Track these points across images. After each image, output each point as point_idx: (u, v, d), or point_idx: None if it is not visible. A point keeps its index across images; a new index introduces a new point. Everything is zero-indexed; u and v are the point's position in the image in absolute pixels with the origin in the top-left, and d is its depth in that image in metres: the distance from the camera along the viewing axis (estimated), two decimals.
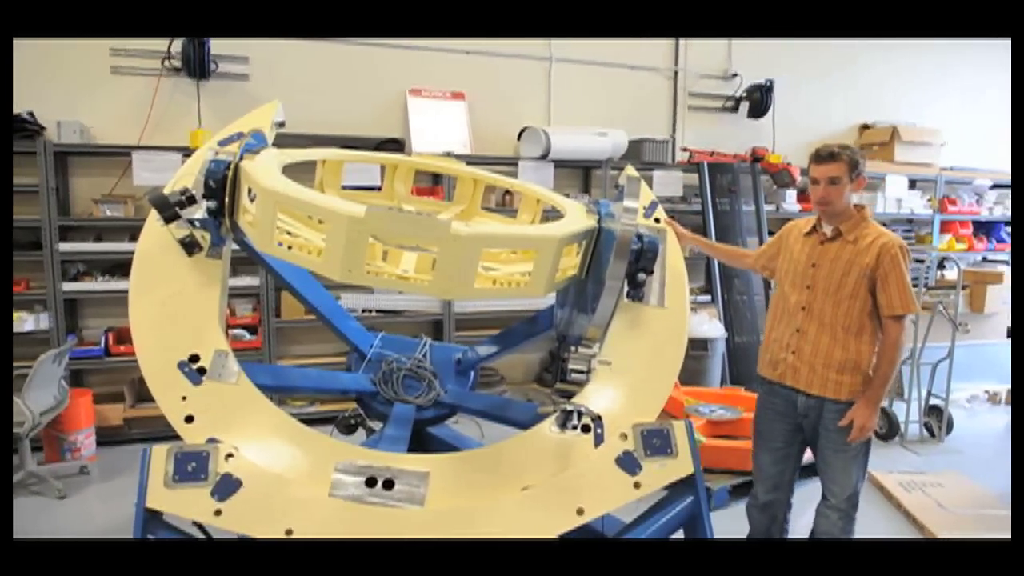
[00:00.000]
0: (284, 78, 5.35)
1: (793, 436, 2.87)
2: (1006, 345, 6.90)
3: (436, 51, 5.76)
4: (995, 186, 8.09)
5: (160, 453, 2.03)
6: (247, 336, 5.08)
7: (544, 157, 5.68)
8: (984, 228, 8.10)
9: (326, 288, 3.46)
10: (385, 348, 3.33)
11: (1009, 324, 7.28)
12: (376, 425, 3.15)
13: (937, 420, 5.28)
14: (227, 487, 2.02)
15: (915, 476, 4.44)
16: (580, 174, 6.34)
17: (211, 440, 2.11)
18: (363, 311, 5.32)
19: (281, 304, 5.15)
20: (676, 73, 6.72)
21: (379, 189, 3.42)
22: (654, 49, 6.62)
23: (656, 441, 2.30)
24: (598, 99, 6.41)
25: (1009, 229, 8.14)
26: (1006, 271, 7.26)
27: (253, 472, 2.06)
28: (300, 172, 2.50)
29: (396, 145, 5.43)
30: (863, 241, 2.69)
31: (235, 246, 2.71)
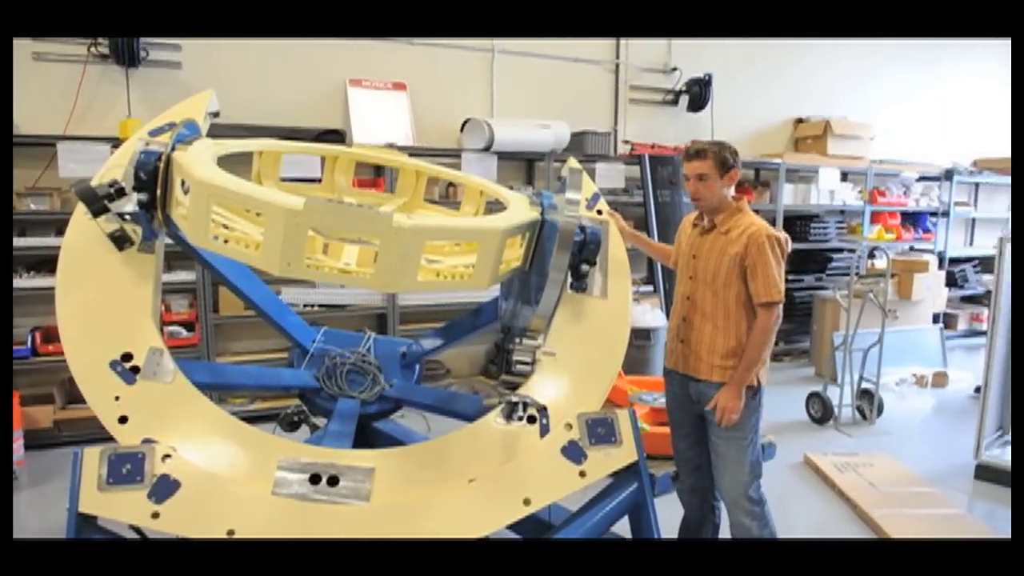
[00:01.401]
0: (219, 66, 5.20)
1: (701, 421, 2.92)
2: (933, 330, 7.23)
3: (377, 41, 5.68)
4: (921, 178, 8.43)
5: (92, 455, 1.96)
6: (184, 333, 4.94)
7: (487, 149, 5.67)
8: (911, 219, 8.45)
9: (265, 283, 3.39)
10: (328, 343, 3.28)
11: (935, 310, 7.63)
12: (320, 421, 3.10)
13: (868, 403, 5.48)
14: (165, 489, 1.96)
15: (848, 457, 4.61)
16: (523, 166, 6.35)
17: (147, 441, 2.05)
18: (305, 305, 5.23)
19: (219, 299, 5.02)
20: (617, 66, 6.79)
21: (319, 181, 3.36)
22: (596, 43, 6.66)
23: (601, 430, 2.32)
24: (541, 91, 6.43)
25: (935, 220, 8.50)
26: (932, 260, 7.59)
27: (192, 472, 2.01)
28: (236, 164, 2.44)
29: (336, 136, 5.34)
30: (734, 231, 2.74)
31: (169, 240, 2.63)
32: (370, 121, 5.57)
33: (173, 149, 2.22)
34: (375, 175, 5.40)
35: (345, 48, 5.58)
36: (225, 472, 2.07)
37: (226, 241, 2.02)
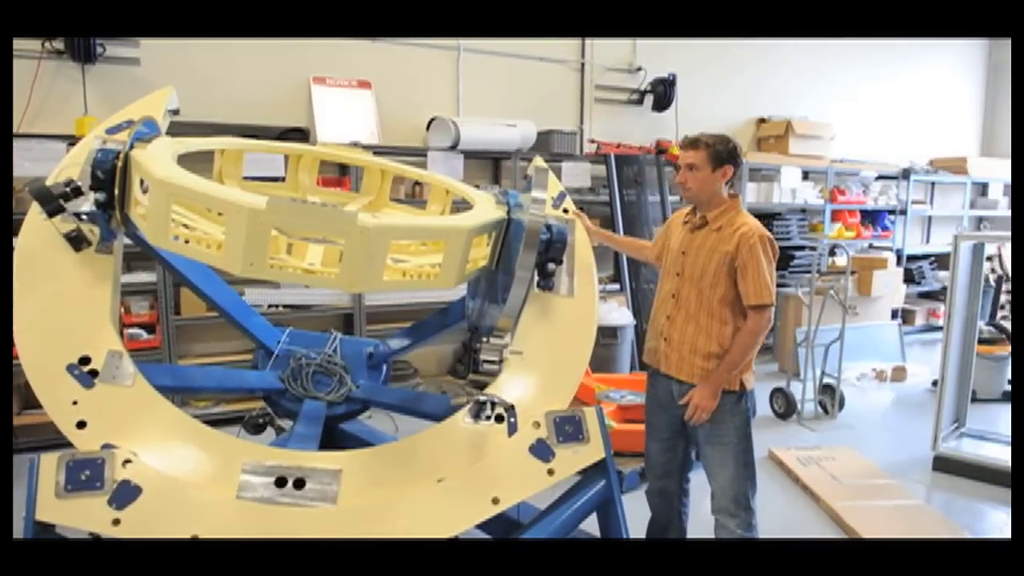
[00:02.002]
0: (179, 63, 5.10)
1: (679, 427, 2.87)
2: (891, 326, 7.39)
3: (341, 39, 5.63)
4: (880, 177, 8.62)
5: (50, 462, 1.91)
6: (144, 335, 4.84)
7: (453, 148, 5.65)
8: (870, 217, 8.63)
9: (228, 283, 3.33)
10: (293, 344, 3.24)
11: (894, 306, 7.81)
12: (286, 424, 3.06)
13: (830, 398, 5.59)
14: (125, 495, 1.92)
15: (811, 451, 4.69)
16: (490, 165, 6.34)
17: (106, 446, 2.00)
18: (269, 306, 5.16)
19: (181, 301, 4.93)
20: (583, 66, 6.82)
21: (283, 180, 3.32)
22: (561, 42, 6.68)
23: (568, 428, 2.33)
24: (507, 90, 6.43)
25: (893, 218, 8.70)
26: (890, 257, 7.77)
27: (153, 478, 1.97)
28: (197, 163, 2.40)
29: (300, 134, 5.28)
30: (727, 229, 2.71)
31: (128, 241, 2.57)
32: (334, 119, 5.51)
33: (131, 147, 2.18)
34: (340, 174, 5.35)
35: (308, 46, 5.51)
36: (188, 477, 2.03)
37: (187, 241, 1.98)
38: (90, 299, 2.27)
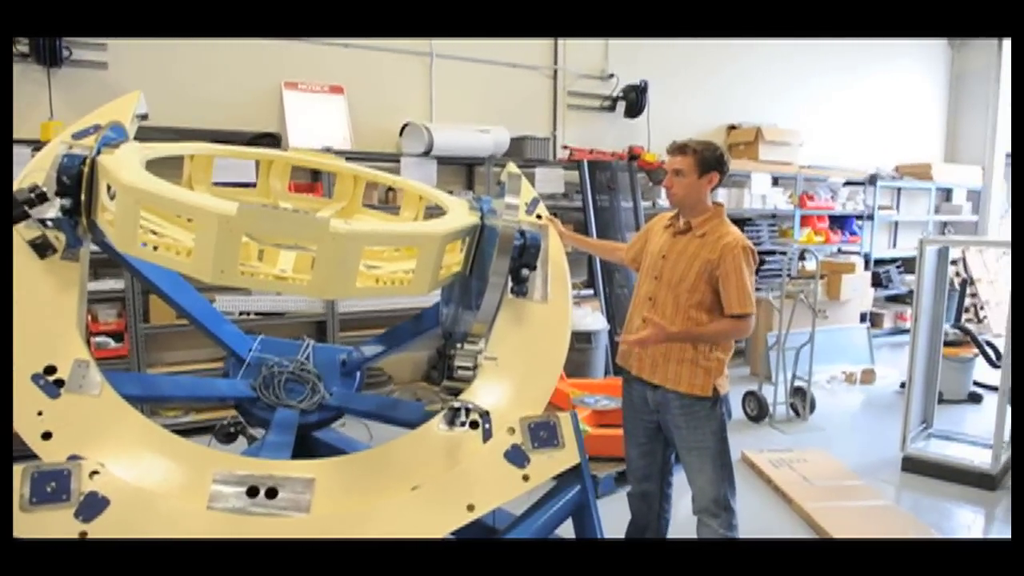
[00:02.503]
0: (147, 67, 5.03)
1: (655, 432, 2.91)
2: (860, 329, 7.51)
3: (313, 44, 5.60)
4: (847, 183, 8.78)
5: (14, 474, 1.87)
6: (112, 344, 4.75)
7: (427, 153, 5.64)
8: (839, 222, 8.78)
9: (198, 290, 3.29)
10: (265, 352, 3.20)
11: (863, 310, 7.93)
12: (258, 432, 3.02)
13: (801, 401, 5.66)
14: (93, 507, 1.88)
15: (783, 454, 4.75)
16: (463, 171, 6.34)
17: (73, 457, 1.96)
18: (240, 313, 5.10)
19: (150, 308, 4.85)
20: (556, 72, 6.85)
21: (254, 186, 3.28)
22: (534, 48, 6.71)
23: (543, 433, 2.33)
24: (480, 96, 6.43)
25: (861, 223, 8.85)
26: (858, 261, 7.90)
27: (122, 489, 1.93)
28: (166, 168, 2.36)
29: (271, 140, 5.23)
30: (711, 237, 2.74)
31: (95, 247, 2.53)
32: (306, 125, 5.47)
33: (99, 152, 2.14)
34: (312, 180, 5.32)
35: (280, 49, 5.48)
36: (157, 488, 1.99)
37: (155, 248, 1.95)
38: (56, 307, 2.22)
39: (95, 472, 1.93)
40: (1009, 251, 4.28)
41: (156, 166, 2.20)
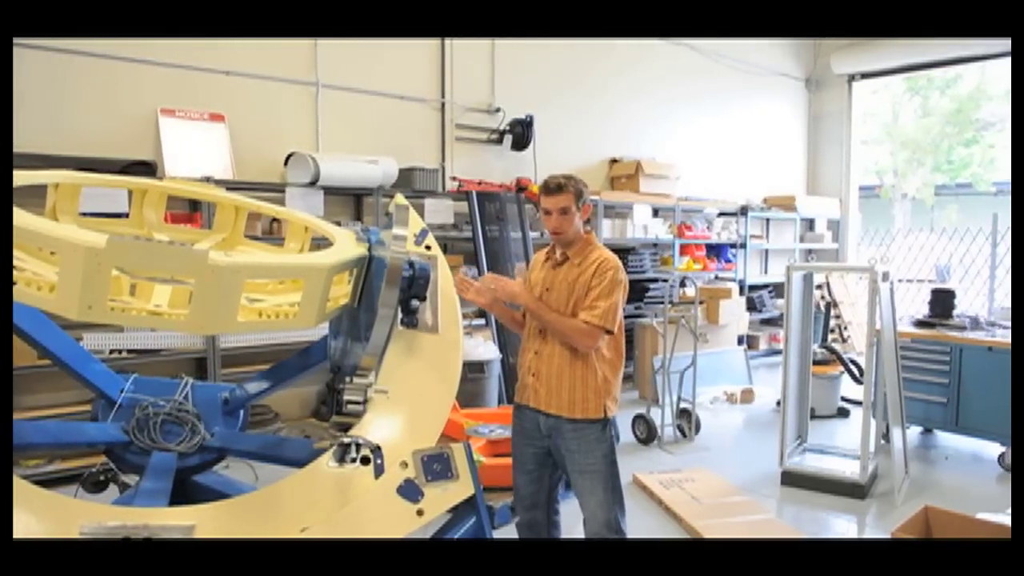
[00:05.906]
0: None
1: (544, 459, 2.96)
2: (738, 351, 7.90)
3: (192, 70, 5.40)
4: (721, 214, 9.29)
5: None
6: None
7: (313, 184, 5.53)
8: (715, 250, 9.27)
9: (63, 328, 3.06)
10: (139, 392, 3.00)
11: (740, 333, 8.36)
12: (132, 479, 2.83)
13: (687, 422, 5.87)
14: None
15: (672, 474, 4.90)
16: (351, 201, 6.25)
17: None
18: (112, 352, 4.79)
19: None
20: (443, 105, 6.91)
21: (127, 216, 3.11)
22: (421, 80, 6.76)
23: (436, 466, 2.30)
24: (368, 127, 6.39)
25: (735, 251, 9.37)
26: (734, 287, 8.34)
27: None
28: (28, 197, 2.21)
29: (146, 168, 4.97)
30: (586, 262, 2.86)
31: None
32: (185, 153, 5.25)
33: None
34: (191, 210, 5.09)
35: (156, 75, 5.25)
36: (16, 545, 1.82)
37: (14, 283, 1.81)
38: None
39: None
40: (867, 276, 4.65)
41: (17, 195, 2.04)
